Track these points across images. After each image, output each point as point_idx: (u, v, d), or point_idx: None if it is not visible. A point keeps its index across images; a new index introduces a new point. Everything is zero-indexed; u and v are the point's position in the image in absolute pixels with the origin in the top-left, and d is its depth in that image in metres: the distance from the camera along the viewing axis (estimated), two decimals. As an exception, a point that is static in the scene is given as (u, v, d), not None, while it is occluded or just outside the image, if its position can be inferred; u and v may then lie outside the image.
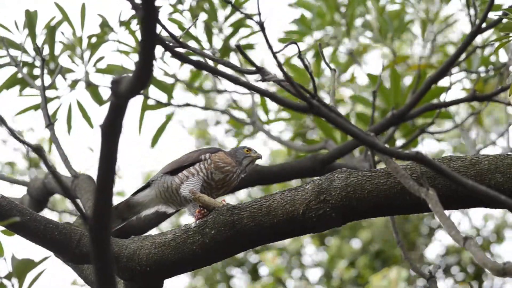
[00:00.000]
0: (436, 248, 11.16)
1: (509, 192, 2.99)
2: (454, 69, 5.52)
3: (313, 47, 6.25)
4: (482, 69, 5.54)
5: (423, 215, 10.65)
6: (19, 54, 5.19)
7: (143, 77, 1.91)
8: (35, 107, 5.33)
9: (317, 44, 6.16)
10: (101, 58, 5.56)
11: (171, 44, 3.03)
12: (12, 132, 2.14)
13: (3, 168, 7.84)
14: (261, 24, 2.55)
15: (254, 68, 2.78)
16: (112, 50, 5.62)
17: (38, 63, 5.32)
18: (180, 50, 3.11)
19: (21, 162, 7.84)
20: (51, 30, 5.31)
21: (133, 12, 2.29)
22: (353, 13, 6.10)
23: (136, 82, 1.91)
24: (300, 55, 2.85)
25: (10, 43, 5.24)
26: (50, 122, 4.26)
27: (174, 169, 3.60)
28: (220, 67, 3.05)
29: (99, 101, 5.68)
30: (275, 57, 2.56)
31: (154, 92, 6.07)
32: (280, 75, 2.66)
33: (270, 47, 2.57)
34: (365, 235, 10.56)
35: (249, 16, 2.87)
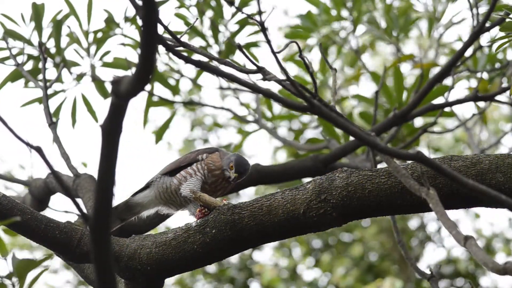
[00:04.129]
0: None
1: (510, 191, 2.99)
2: (460, 68, 5.50)
3: (318, 43, 6.23)
4: (487, 67, 5.52)
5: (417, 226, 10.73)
6: (25, 47, 5.20)
7: (144, 77, 1.91)
8: (40, 100, 5.32)
9: (324, 40, 6.16)
10: (107, 52, 5.57)
11: (172, 43, 3.04)
12: (13, 132, 2.14)
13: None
14: (261, 24, 2.56)
15: (255, 68, 2.79)
16: (118, 43, 5.63)
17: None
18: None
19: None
20: (57, 24, 5.32)
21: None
22: (359, 10, 6.09)
23: (137, 82, 1.91)
24: (301, 55, 2.85)
25: (17, 35, 5.25)
26: (52, 121, 4.27)
27: (173, 170, 3.59)
28: (222, 67, 3.06)
29: (105, 95, 5.69)
30: (276, 57, 2.57)
31: (159, 88, 6.08)
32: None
33: (270, 47, 2.58)
34: (357, 250, 10.56)
35: (250, 16, 2.87)
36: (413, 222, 10.81)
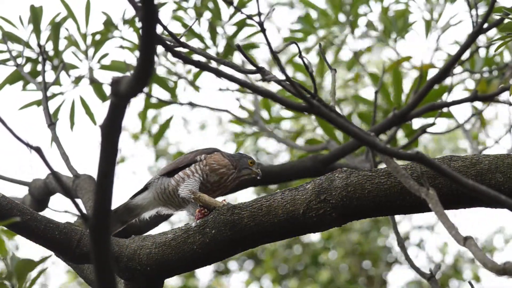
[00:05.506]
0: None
1: (509, 191, 2.99)
2: (457, 70, 5.51)
3: (317, 45, 6.24)
4: (485, 69, 5.53)
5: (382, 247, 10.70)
6: (24, 49, 5.20)
7: (143, 77, 1.91)
8: (38, 103, 5.33)
9: (321, 41, 6.16)
10: (105, 54, 5.57)
11: (172, 44, 3.03)
12: (12, 132, 2.14)
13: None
14: (261, 25, 2.56)
15: (254, 68, 2.79)
16: (116, 46, 5.63)
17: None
18: (181, 50, 3.12)
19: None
20: (55, 26, 5.32)
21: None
22: (357, 13, 6.09)
23: (136, 82, 1.91)
24: (301, 55, 2.86)
25: (15, 38, 5.25)
26: (51, 121, 4.26)
27: (171, 171, 3.59)
28: (221, 67, 3.07)
29: (103, 97, 5.69)
30: (276, 57, 2.57)
31: (157, 90, 6.07)
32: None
33: (270, 47, 2.58)
34: (325, 275, 10.53)
35: (250, 17, 2.87)
36: (379, 243, 10.79)
